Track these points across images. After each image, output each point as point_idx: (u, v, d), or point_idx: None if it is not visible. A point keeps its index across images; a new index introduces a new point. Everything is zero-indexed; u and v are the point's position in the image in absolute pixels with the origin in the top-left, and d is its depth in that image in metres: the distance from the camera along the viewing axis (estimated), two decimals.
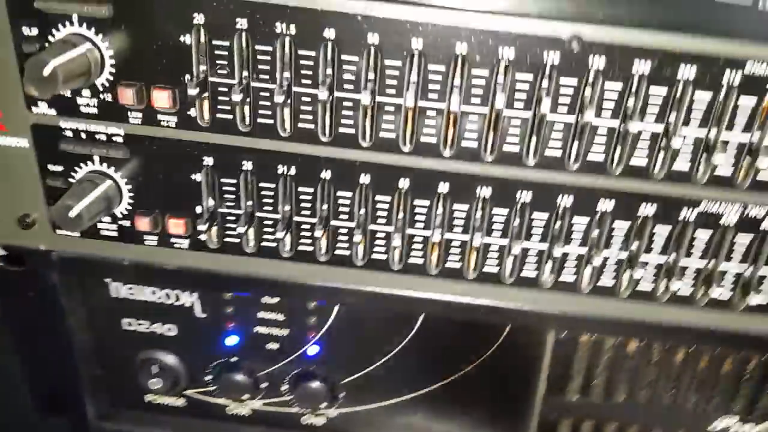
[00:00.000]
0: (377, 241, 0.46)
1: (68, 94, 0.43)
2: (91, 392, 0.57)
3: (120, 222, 0.46)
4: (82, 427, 0.59)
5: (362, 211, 0.45)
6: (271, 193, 0.45)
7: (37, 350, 0.55)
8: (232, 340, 0.55)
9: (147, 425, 0.59)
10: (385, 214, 0.45)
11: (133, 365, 0.56)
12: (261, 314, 0.53)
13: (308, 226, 0.46)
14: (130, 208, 0.46)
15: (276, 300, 0.52)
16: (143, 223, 0.46)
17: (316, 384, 0.55)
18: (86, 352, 0.55)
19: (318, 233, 0.45)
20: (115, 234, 0.47)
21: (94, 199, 0.43)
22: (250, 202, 0.45)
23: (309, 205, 0.45)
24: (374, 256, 0.46)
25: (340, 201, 0.45)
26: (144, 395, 0.59)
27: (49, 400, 0.58)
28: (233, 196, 0.45)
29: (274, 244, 0.47)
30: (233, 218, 0.46)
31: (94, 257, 0.49)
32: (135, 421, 0.59)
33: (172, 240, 0.47)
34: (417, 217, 0.45)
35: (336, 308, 0.52)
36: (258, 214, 0.46)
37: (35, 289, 0.52)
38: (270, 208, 0.45)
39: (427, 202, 0.44)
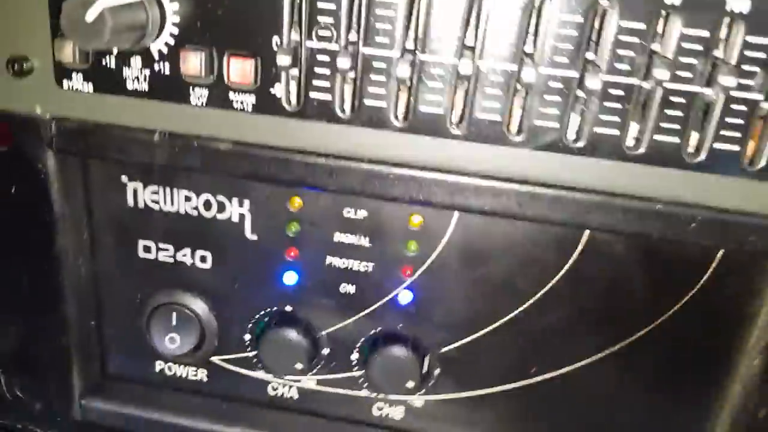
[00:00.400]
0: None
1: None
2: (79, 354, 0.41)
3: (156, 65, 0.32)
4: (61, 406, 0.42)
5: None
6: (390, 14, 0.30)
7: (9, 285, 0.40)
8: (290, 278, 0.40)
9: (152, 406, 0.41)
10: None
11: (142, 314, 0.40)
12: (339, 236, 0.37)
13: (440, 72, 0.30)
14: (173, 40, 0.31)
15: (363, 214, 0.36)
16: (191, 64, 0.31)
17: (401, 352, 0.38)
18: (79, 290, 0.39)
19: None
20: (146, 87, 0.33)
21: (124, 4, 0.29)
22: (354, 33, 0.30)
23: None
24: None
25: None
26: (153, 361, 0.42)
27: (18, 364, 0.42)
28: (330, 20, 0.30)
29: (382, 104, 0.31)
30: (326, 60, 0.31)
31: (109, 130, 0.33)
32: (136, 399, 0.41)
33: (231, 96, 0.32)
34: None
35: (450, 228, 0.36)
36: (366, 50, 0.31)
37: (21, 187, 0.36)
38: (385, 41, 0.30)
39: None
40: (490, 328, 0.38)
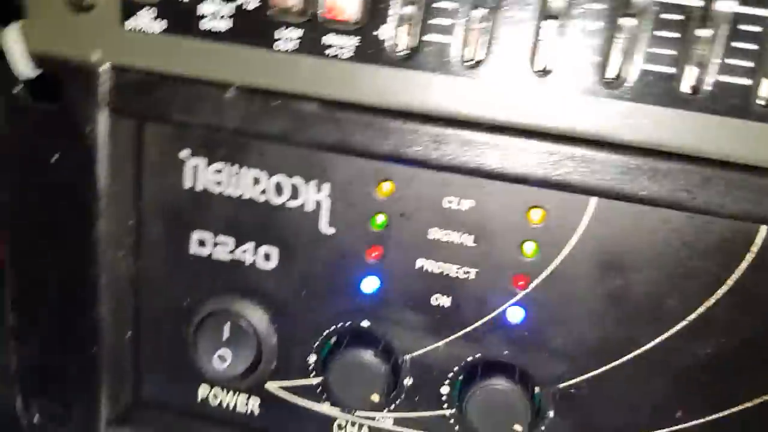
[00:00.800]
0: None
1: None
2: (110, 372, 0.34)
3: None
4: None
5: None
6: None
7: (37, 279, 0.34)
8: (369, 285, 0.32)
9: None
10: None
11: (189, 324, 0.33)
12: (436, 232, 0.30)
13: None
14: None
15: (469, 204, 0.29)
16: None
17: (506, 386, 0.30)
18: (116, 290, 0.32)
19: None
20: (224, 26, 0.28)
21: None
22: None
23: None
24: None
25: None
26: (196, 386, 0.35)
27: (39, 382, 0.35)
28: None
29: (522, 53, 0.25)
30: None
31: (175, 83, 0.27)
32: (173, 429, 0.34)
33: (327, 40, 0.26)
34: None
35: (582, 225, 0.28)
36: None
37: (63, 157, 0.30)
38: None
39: None
40: (625, 359, 0.30)
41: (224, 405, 0.34)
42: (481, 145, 0.27)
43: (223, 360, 0.32)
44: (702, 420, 0.30)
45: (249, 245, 0.32)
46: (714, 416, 0.30)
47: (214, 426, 0.34)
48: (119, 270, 0.32)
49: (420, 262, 0.31)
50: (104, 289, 0.32)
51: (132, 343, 0.34)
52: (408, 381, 0.32)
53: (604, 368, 0.30)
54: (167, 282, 0.33)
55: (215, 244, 0.32)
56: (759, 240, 0.27)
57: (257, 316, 0.32)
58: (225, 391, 0.34)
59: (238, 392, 0.34)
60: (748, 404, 0.29)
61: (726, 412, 0.30)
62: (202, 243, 0.32)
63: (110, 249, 0.32)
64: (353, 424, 0.33)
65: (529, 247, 0.29)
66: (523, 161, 0.26)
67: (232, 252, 0.32)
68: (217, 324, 0.32)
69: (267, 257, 0.32)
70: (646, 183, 0.25)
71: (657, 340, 0.29)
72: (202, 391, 0.34)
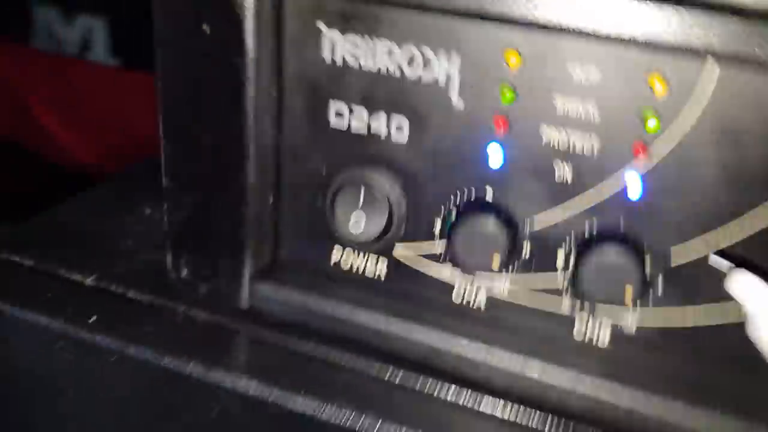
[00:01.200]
0: None
1: None
2: (254, 233, 0.38)
3: None
4: (230, 289, 0.40)
5: None
6: None
7: (191, 144, 0.38)
8: (495, 156, 0.34)
9: (325, 296, 0.37)
10: None
11: (326, 191, 0.36)
12: (560, 101, 0.31)
13: None
14: None
15: (594, 72, 0.30)
16: None
17: (619, 251, 0.31)
18: (262, 158, 0.36)
19: None
20: None
21: None
22: None
23: None
24: None
25: None
26: (330, 248, 0.38)
27: (189, 240, 0.40)
28: None
29: None
30: None
31: None
32: (310, 289, 0.38)
33: None
34: None
35: (705, 97, 0.29)
36: None
37: (214, 27, 0.33)
38: None
39: None
40: (736, 237, 0.31)
41: (355, 267, 0.38)
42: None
43: (357, 223, 0.36)
44: None
45: (382, 116, 0.34)
46: None
47: (345, 286, 0.38)
48: (265, 138, 0.36)
49: (545, 132, 0.32)
50: (251, 155, 0.36)
51: (274, 207, 0.38)
52: (526, 246, 0.34)
53: (715, 246, 0.31)
54: (308, 151, 0.36)
55: (351, 114, 0.35)
56: None
57: (389, 185, 0.35)
58: (356, 253, 0.38)
59: (368, 255, 0.38)
60: None
61: None
62: (339, 114, 0.35)
63: (258, 118, 0.35)
64: (472, 292, 0.36)
65: (651, 119, 0.30)
66: (644, 24, 0.27)
67: (366, 123, 0.35)
68: (354, 191, 0.36)
69: (399, 129, 0.34)
70: None
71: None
72: (336, 253, 0.38)
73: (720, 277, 0.31)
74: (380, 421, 0.32)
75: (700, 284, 0.32)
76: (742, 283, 0.27)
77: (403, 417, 0.33)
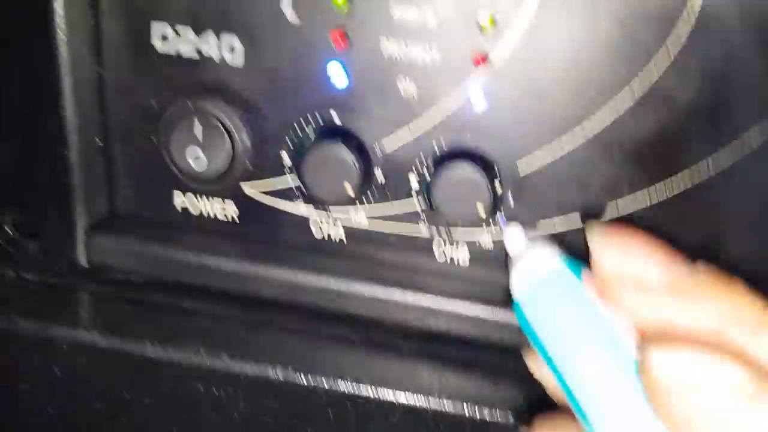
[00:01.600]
0: None
1: None
2: (83, 181, 0.34)
3: None
4: (63, 245, 0.35)
5: None
6: None
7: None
8: (337, 76, 0.32)
9: (173, 245, 0.34)
10: None
11: (160, 126, 0.33)
12: (398, 11, 0.30)
13: None
14: None
15: None
16: None
17: (470, 170, 0.30)
18: (80, 92, 0.32)
19: None
20: None
21: None
22: None
23: None
24: None
25: None
26: (171, 194, 0.35)
27: (9, 193, 0.35)
28: None
29: None
30: None
31: None
32: (154, 238, 0.34)
33: None
34: None
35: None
36: None
37: None
38: None
39: None
40: (579, 142, 0.31)
41: (201, 212, 0.35)
42: None
43: (197, 160, 0.33)
44: (638, 190, 0.31)
45: (212, 37, 0.31)
46: (652, 186, 0.31)
47: (193, 234, 0.35)
48: (82, 70, 0.32)
49: (385, 47, 0.30)
50: (67, 91, 0.32)
51: (104, 151, 0.34)
52: (378, 173, 0.33)
53: (559, 151, 0.31)
54: (134, 83, 0.33)
55: (177, 36, 0.32)
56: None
57: (228, 115, 0.32)
58: (200, 197, 0.35)
59: (213, 198, 0.35)
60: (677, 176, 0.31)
61: (659, 184, 0.31)
62: (164, 37, 0.32)
63: (70, 46, 0.31)
64: (328, 223, 0.35)
65: (486, 23, 0.29)
66: None
67: (196, 47, 0.32)
68: (189, 124, 0.32)
69: (232, 50, 0.31)
70: None
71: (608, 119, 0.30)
72: (178, 199, 0.35)
73: (564, 185, 0.31)
74: (236, 358, 0.30)
75: (547, 195, 0.32)
76: (508, 232, 0.29)
77: (262, 353, 0.31)
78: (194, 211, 0.35)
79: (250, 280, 0.34)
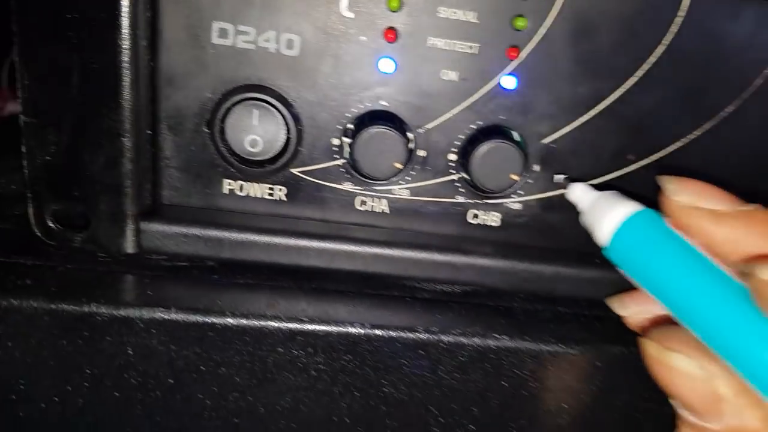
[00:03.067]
0: None
1: None
2: (132, 171, 0.35)
3: None
4: (110, 235, 0.35)
5: None
6: None
7: (48, 82, 0.33)
8: (386, 65, 0.36)
9: (222, 227, 0.36)
10: None
11: (215, 114, 0.35)
12: (444, 12, 0.35)
13: None
14: None
15: None
16: None
17: (502, 143, 0.36)
18: (135, 86, 0.34)
19: None
20: None
21: None
22: None
23: None
24: None
25: None
26: (220, 181, 0.37)
27: (55, 184, 0.35)
28: None
29: None
30: None
31: None
32: (203, 223, 0.36)
33: None
34: None
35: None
36: None
37: None
38: None
39: None
40: (591, 113, 0.37)
41: (249, 194, 0.37)
42: None
43: (254, 144, 0.35)
44: (648, 160, 0.39)
45: (271, 33, 0.34)
46: (656, 156, 0.39)
47: (242, 216, 0.37)
48: (140, 64, 0.33)
49: (431, 41, 0.35)
50: (127, 83, 0.33)
51: (153, 141, 0.35)
52: (421, 153, 0.37)
53: (575, 123, 0.37)
54: (189, 75, 0.35)
55: (238, 33, 0.34)
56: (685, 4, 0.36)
57: (283, 102, 0.35)
58: (250, 184, 0.37)
59: (264, 182, 0.37)
60: (682, 141, 0.39)
61: (663, 153, 0.39)
62: (223, 33, 0.34)
63: (132, 41, 0.32)
64: (374, 198, 0.38)
65: (519, 20, 0.35)
66: None
67: (254, 41, 0.34)
68: (247, 110, 0.35)
69: (289, 44, 0.35)
70: None
71: (616, 95, 0.37)
72: (227, 186, 0.36)
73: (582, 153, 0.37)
74: (314, 320, 0.33)
75: (569, 162, 0.38)
76: (575, 189, 0.34)
77: (334, 315, 0.33)
78: (242, 194, 0.37)
79: (299, 253, 0.37)
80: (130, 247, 0.35)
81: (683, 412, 0.27)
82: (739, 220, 0.26)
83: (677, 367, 0.26)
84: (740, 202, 0.27)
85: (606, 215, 0.30)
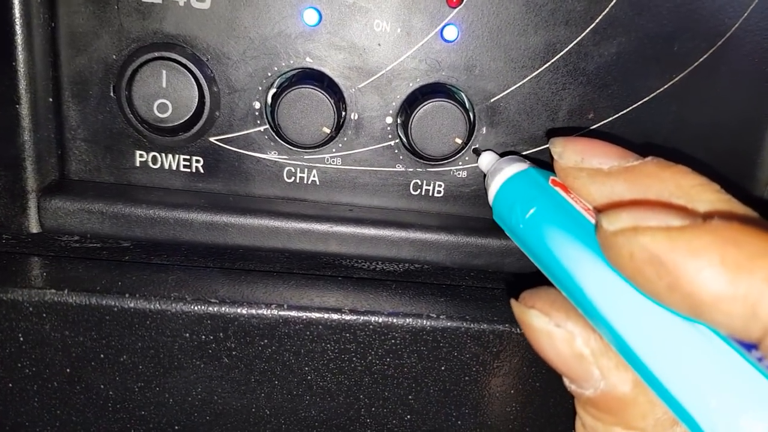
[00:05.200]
0: None
1: None
2: (32, 144, 0.32)
3: None
4: (10, 212, 0.32)
5: None
6: None
7: None
8: (310, 16, 0.33)
9: (134, 202, 0.33)
10: None
11: (120, 77, 0.32)
12: None
13: None
14: None
15: None
16: None
17: (444, 104, 0.33)
18: (29, 56, 0.31)
19: None
20: None
21: None
22: None
23: None
24: None
25: None
26: (132, 153, 0.34)
27: None
28: None
29: None
30: None
31: None
32: (112, 197, 0.33)
33: None
34: None
35: None
36: None
37: None
38: None
39: None
40: (544, 67, 0.33)
41: (165, 167, 0.34)
42: None
43: (164, 108, 0.32)
44: (609, 119, 0.35)
45: None
46: (618, 114, 0.35)
47: (156, 192, 0.34)
48: (34, 25, 0.30)
49: None
50: (20, 46, 0.30)
51: (55, 110, 0.32)
52: (353, 116, 0.34)
53: (526, 79, 0.34)
54: (93, 34, 0.31)
55: None
56: None
57: (195, 61, 0.32)
58: (164, 155, 0.34)
59: (178, 155, 0.34)
60: (645, 99, 0.35)
61: (627, 110, 0.35)
62: None
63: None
64: (303, 168, 0.35)
65: None
66: None
67: None
68: (153, 72, 0.31)
69: None
70: None
71: (570, 46, 0.33)
72: (139, 158, 0.33)
73: (532, 112, 0.34)
74: (224, 302, 0.29)
75: (518, 122, 0.34)
76: (484, 158, 0.32)
77: (249, 295, 0.30)
78: (155, 166, 0.34)
79: (220, 230, 0.33)
80: (33, 226, 0.32)
81: (565, 381, 0.25)
82: (621, 177, 0.24)
83: (535, 326, 0.25)
84: (633, 157, 0.25)
85: (493, 179, 0.28)
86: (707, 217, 0.21)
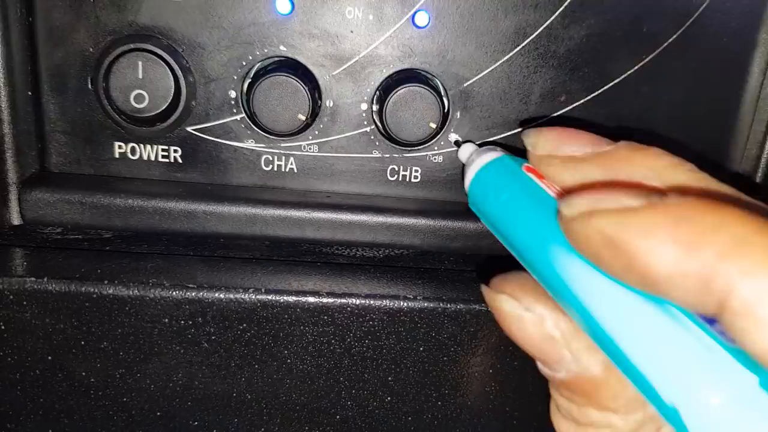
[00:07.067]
0: None
1: None
2: (12, 138, 0.32)
3: None
4: None
5: None
6: None
7: None
8: (284, 4, 0.33)
9: (113, 192, 0.33)
10: None
11: (97, 70, 0.32)
12: None
13: None
14: None
15: None
16: None
17: (418, 89, 0.33)
18: (7, 50, 0.31)
19: None
20: None
21: None
22: None
23: None
24: None
25: None
26: (109, 141, 0.34)
27: None
28: None
29: None
30: None
31: None
32: (92, 188, 0.33)
33: None
34: None
35: None
36: None
37: None
38: None
39: None
40: (515, 50, 0.34)
41: (144, 158, 0.34)
42: None
43: (141, 99, 0.32)
44: (581, 101, 0.35)
45: None
46: (589, 96, 0.35)
47: (135, 182, 0.34)
48: (12, 19, 0.30)
49: None
50: None
51: (35, 103, 0.32)
52: (329, 103, 0.34)
53: (498, 63, 0.34)
54: (69, 27, 0.32)
55: None
56: None
57: (170, 52, 0.32)
58: (142, 146, 0.34)
59: (156, 146, 0.34)
60: (616, 81, 0.35)
61: (598, 92, 0.35)
62: None
63: None
64: (280, 156, 0.35)
65: None
66: None
67: None
68: (130, 63, 0.32)
69: None
70: None
71: (540, 29, 0.34)
72: (118, 149, 0.34)
73: (506, 97, 0.34)
74: (204, 287, 0.29)
75: (492, 107, 0.34)
76: (464, 149, 0.31)
77: (228, 280, 0.30)
78: (134, 157, 0.34)
79: (199, 218, 0.34)
80: (14, 218, 0.33)
81: (538, 365, 0.26)
82: (594, 162, 0.24)
83: (505, 310, 0.25)
84: (605, 142, 0.25)
85: (468, 169, 0.29)
86: (665, 195, 0.21)
